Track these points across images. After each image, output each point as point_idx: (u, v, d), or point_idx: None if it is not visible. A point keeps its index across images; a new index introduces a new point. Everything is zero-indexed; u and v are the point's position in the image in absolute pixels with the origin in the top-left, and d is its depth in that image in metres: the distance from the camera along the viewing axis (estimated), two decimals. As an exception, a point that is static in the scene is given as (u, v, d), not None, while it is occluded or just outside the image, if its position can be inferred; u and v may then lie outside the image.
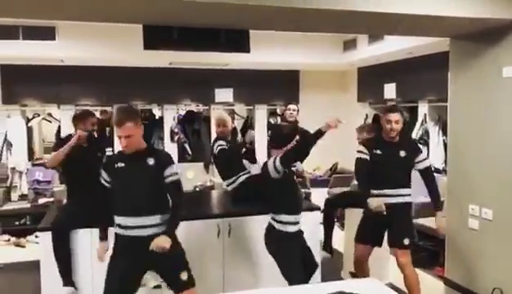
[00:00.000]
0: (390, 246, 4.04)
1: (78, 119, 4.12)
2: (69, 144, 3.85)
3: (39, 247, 3.87)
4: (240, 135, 5.05)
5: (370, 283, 2.50)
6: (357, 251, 4.07)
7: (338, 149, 7.46)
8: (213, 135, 7.82)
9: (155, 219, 2.99)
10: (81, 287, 3.70)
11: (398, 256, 3.95)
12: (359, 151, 3.97)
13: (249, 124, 8.33)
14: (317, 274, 3.50)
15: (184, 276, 3.02)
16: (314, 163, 7.98)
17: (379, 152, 3.91)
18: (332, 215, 4.75)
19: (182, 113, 8.22)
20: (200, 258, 3.94)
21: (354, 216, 4.83)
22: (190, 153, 7.87)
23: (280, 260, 3.34)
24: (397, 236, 3.97)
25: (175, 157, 7.81)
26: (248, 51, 3.96)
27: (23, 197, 6.81)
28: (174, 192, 3.11)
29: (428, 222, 5.26)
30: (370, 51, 6.57)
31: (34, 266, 3.84)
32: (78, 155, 3.88)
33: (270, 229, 3.41)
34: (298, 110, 5.47)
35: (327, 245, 4.59)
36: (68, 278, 3.63)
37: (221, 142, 4.45)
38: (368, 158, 3.89)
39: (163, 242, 2.83)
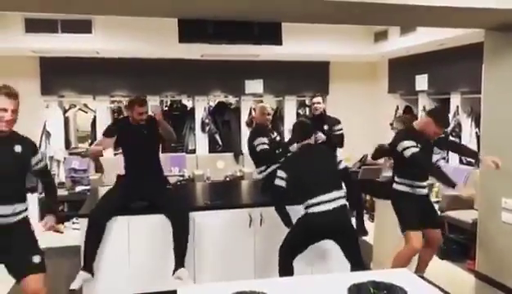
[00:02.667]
0: (436, 228, 4.24)
1: (127, 106, 4.23)
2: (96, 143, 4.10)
3: (79, 232, 4.01)
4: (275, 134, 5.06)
5: (402, 274, 2.53)
6: (419, 241, 3.92)
7: (367, 141, 7.44)
8: (243, 126, 7.96)
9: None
10: (117, 274, 3.85)
11: (439, 235, 4.24)
12: (408, 147, 3.78)
13: (278, 115, 8.39)
14: (347, 265, 3.54)
15: (37, 259, 2.96)
16: (343, 155, 7.97)
17: (419, 146, 3.85)
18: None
19: (213, 104, 8.35)
20: (232, 246, 4.05)
21: (384, 208, 4.85)
22: (220, 143, 8.01)
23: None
24: (438, 219, 4.40)
25: (206, 147, 7.96)
26: (280, 43, 4.01)
27: (61, 185, 7.07)
28: (47, 176, 3.28)
29: (458, 215, 5.24)
30: (402, 43, 6.52)
31: (71, 251, 3.96)
32: (134, 136, 3.98)
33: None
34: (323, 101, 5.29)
35: (359, 227, 4.55)
36: (90, 264, 3.74)
37: (263, 139, 4.45)
38: (419, 148, 3.81)
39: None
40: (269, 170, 4.48)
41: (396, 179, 4.07)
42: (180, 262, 3.71)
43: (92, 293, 3.81)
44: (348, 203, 3.58)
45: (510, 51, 4.09)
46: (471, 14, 3.61)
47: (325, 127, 5.05)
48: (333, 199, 3.48)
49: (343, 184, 3.68)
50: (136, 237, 3.90)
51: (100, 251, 3.77)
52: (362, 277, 2.37)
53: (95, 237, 3.73)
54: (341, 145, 5.27)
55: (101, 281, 3.80)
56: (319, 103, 5.16)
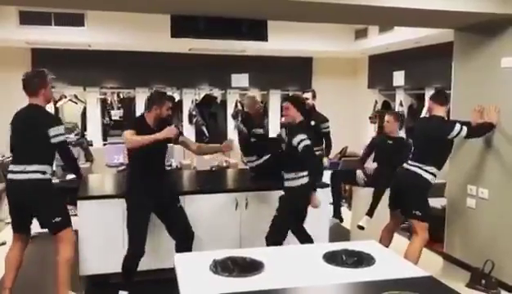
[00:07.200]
0: None
1: (154, 101, 3.71)
2: (157, 136, 3.52)
3: (77, 217, 4.08)
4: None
5: (370, 245, 2.85)
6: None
7: (347, 134, 7.78)
8: (229, 118, 8.27)
9: None
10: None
11: None
12: (462, 124, 4.04)
13: (263, 108, 8.70)
14: (320, 238, 3.91)
15: (58, 219, 3.56)
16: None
17: None
18: (336, 185, 5.04)
19: (198, 97, 8.58)
20: (220, 227, 4.34)
21: (361, 196, 5.20)
22: (207, 135, 8.28)
23: None
24: None
25: (193, 138, 8.21)
26: (266, 39, 4.33)
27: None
28: None
29: (429, 202, 5.58)
30: (380, 40, 6.87)
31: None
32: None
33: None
34: (314, 96, 5.51)
35: (336, 212, 4.90)
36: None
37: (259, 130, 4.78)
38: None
39: None
40: (260, 160, 4.68)
41: (426, 167, 4.01)
42: None
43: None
44: None
45: (476, 50, 4.46)
46: (441, 16, 3.96)
47: (312, 123, 5.20)
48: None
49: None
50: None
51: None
52: (336, 246, 2.70)
53: (136, 263, 3.70)
54: (329, 144, 5.55)
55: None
56: (307, 98, 5.35)
